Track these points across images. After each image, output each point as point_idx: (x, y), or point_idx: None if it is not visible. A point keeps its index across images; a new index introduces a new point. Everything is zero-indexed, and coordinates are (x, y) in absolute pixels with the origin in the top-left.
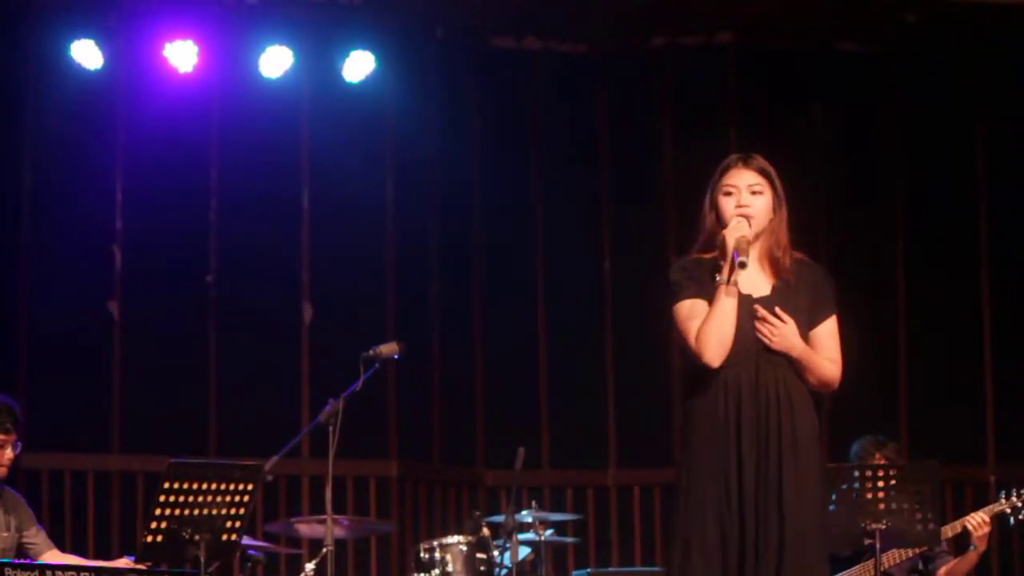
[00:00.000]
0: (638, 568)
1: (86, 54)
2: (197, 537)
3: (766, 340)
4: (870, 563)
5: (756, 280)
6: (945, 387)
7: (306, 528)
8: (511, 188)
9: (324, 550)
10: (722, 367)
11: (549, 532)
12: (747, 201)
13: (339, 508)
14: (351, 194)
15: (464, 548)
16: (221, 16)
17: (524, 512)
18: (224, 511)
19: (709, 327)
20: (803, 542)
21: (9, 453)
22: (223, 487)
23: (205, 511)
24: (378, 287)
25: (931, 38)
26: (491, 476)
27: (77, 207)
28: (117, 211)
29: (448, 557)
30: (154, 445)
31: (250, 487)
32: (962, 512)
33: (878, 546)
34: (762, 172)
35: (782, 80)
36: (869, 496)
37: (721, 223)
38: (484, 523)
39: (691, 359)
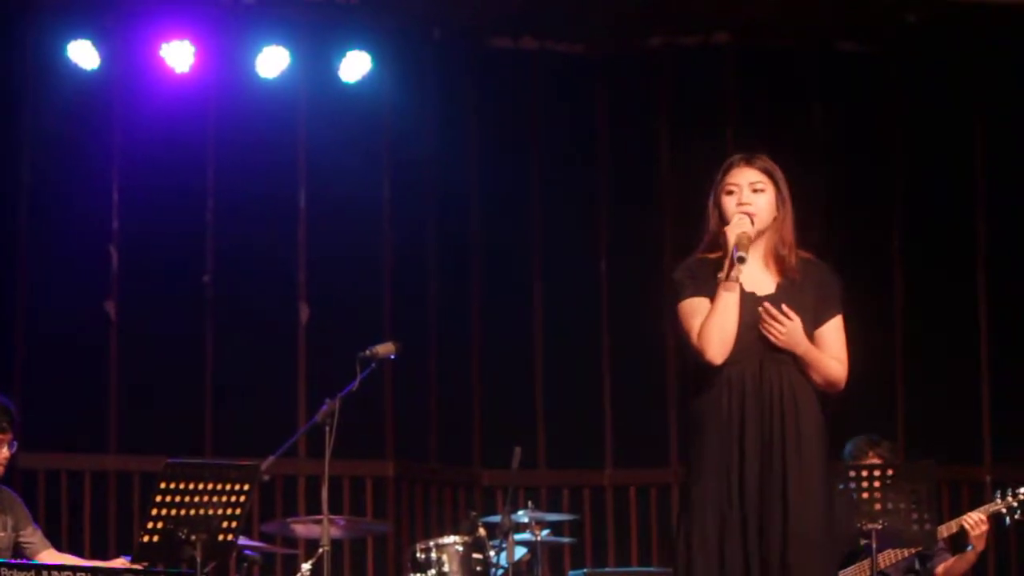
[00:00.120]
0: (634, 568)
1: (83, 54)
2: (193, 537)
3: (772, 337)
4: (866, 563)
5: (761, 278)
6: (942, 387)
7: (302, 528)
8: (508, 188)
9: (320, 550)
10: (726, 365)
11: (545, 532)
12: (748, 199)
13: (335, 508)
14: (348, 194)
15: (460, 548)
16: (217, 16)
17: (520, 512)
18: (220, 511)
19: (711, 324)
20: (807, 540)
21: (5, 452)
22: (219, 487)
23: (201, 511)
24: (375, 287)
25: (931, 38)
26: (487, 476)
27: (74, 207)
28: (114, 211)
29: (444, 557)
30: (151, 445)
31: (246, 487)
32: (959, 512)
33: (874, 546)
34: (764, 170)
35: (781, 80)
36: (865, 496)
37: (724, 222)
38: (480, 523)
39: (694, 357)
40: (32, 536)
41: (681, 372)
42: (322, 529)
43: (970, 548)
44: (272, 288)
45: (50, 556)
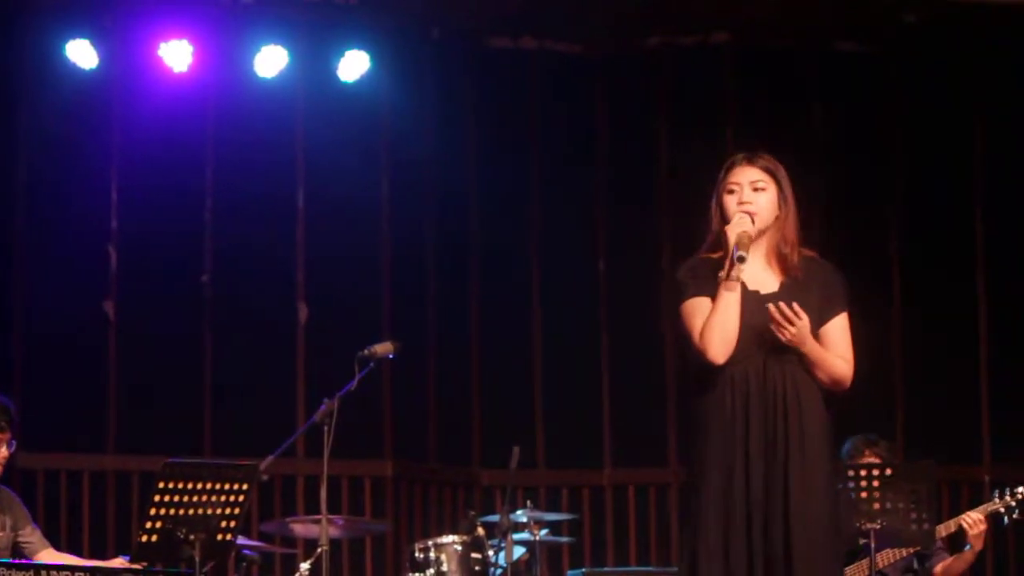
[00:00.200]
0: (633, 568)
1: (81, 54)
2: (192, 537)
3: (781, 337)
4: (864, 562)
5: (764, 277)
6: (941, 387)
7: (301, 528)
8: (507, 188)
9: (319, 550)
10: (729, 364)
11: (544, 532)
12: (749, 198)
13: (334, 508)
14: (347, 194)
15: (459, 548)
16: (216, 16)
17: (519, 512)
18: (219, 511)
19: (712, 324)
20: (811, 540)
21: (4, 452)
22: (218, 487)
23: (200, 511)
24: (374, 287)
25: (930, 38)
26: (486, 476)
27: (72, 207)
28: (112, 211)
29: (443, 557)
30: (150, 445)
31: (245, 487)
32: (958, 512)
33: (873, 546)
34: (766, 169)
35: (780, 80)
36: (864, 495)
37: (725, 221)
38: (479, 523)
39: (696, 357)
40: (31, 536)
41: (684, 372)
42: (321, 529)
43: (968, 548)
44: (271, 288)
45: (49, 556)
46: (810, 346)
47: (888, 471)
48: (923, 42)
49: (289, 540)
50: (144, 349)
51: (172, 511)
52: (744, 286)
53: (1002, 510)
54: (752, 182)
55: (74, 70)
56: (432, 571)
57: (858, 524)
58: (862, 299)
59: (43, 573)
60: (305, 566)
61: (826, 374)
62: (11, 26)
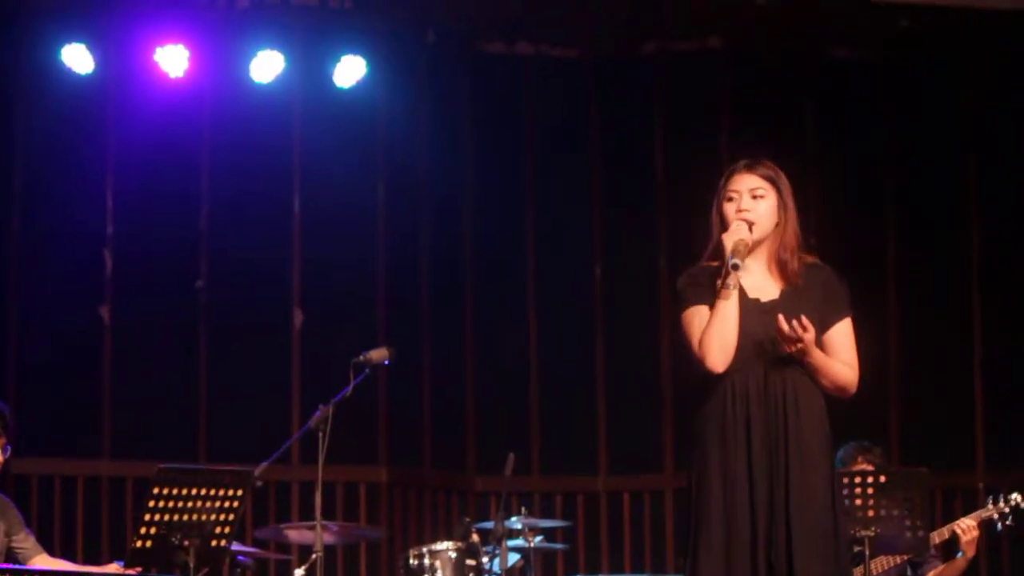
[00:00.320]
0: (628, 575)
1: (77, 58)
2: (186, 543)
3: (787, 349)
4: (858, 570)
5: (764, 284)
6: (936, 394)
7: (296, 534)
8: (503, 193)
9: (313, 556)
10: (729, 372)
11: (539, 538)
12: (748, 206)
13: (329, 514)
14: (342, 199)
15: (453, 554)
16: (212, 20)
17: (514, 518)
18: (213, 517)
19: (710, 333)
20: (812, 549)
21: (0, 458)
22: (213, 493)
23: (195, 517)
24: (369, 292)
25: (925, 44)
26: (481, 482)
27: (68, 211)
28: (108, 216)
29: (437, 563)
30: (144, 450)
31: (240, 493)
32: (952, 519)
33: (867, 553)
34: (766, 176)
35: (775, 85)
36: (859, 503)
37: (725, 229)
38: (474, 529)
39: (696, 365)
40: (25, 541)
41: (685, 380)
42: (315, 535)
43: (960, 554)
44: (266, 293)
45: (43, 561)
46: (814, 355)
47: (882, 478)
48: (918, 48)
49: (284, 546)
50: (139, 354)
51: (167, 517)
52: (745, 294)
53: (995, 516)
54: (751, 189)
55: (70, 75)
56: None
57: (852, 531)
58: (857, 306)
59: None
60: (300, 572)
61: (830, 381)
62: (7, 30)
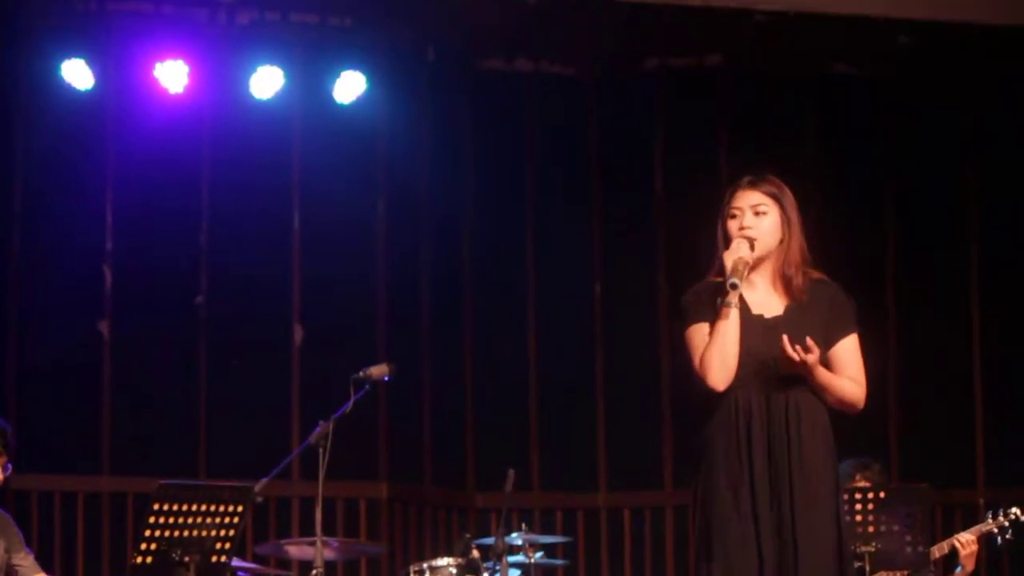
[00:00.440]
0: None
1: (77, 74)
2: (187, 559)
3: (792, 369)
4: None
5: (768, 301)
6: (936, 410)
7: (296, 550)
8: (502, 210)
9: (314, 572)
10: (732, 389)
11: (539, 554)
12: (750, 223)
13: (329, 530)
14: (342, 215)
15: (454, 570)
16: (212, 36)
17: (514, 534)
18: (214, 533)
19: (711, 351)
20: (817, 563)
21: (0, 475)
22: (213, 508)
23: (195, 532)
24: (369, 308)
25: (925, 60)
26: (481, 498)
27: (68, 227)
28: (107, 231)
29: None
30: (144, 466)
31: (240, 509)
32: (952, 535)
33: (867, 569)
34: (769, 193)
35: (775, 102)
36: (859, 519)
37: (728, 246)
38: (474, 545)
39: (698, 383)
40: (24, 560)
41: (689, 397)
42: (316, 551)
43: (959, 569)
44: (266, 309)
45: None
46: (818, 374)
47: (882, 494)
48: (917, 64)
49: (284, 562)
50: (139, 370)
51: (167, 533)
52: (748, 310)
53: (995, 531)
54: (753, 206)
55: (70, 91)
56: None
57: (853, 547)
58: (857, 321)
59: None
60: None
61: (835, 397)
62: (6, 46)
